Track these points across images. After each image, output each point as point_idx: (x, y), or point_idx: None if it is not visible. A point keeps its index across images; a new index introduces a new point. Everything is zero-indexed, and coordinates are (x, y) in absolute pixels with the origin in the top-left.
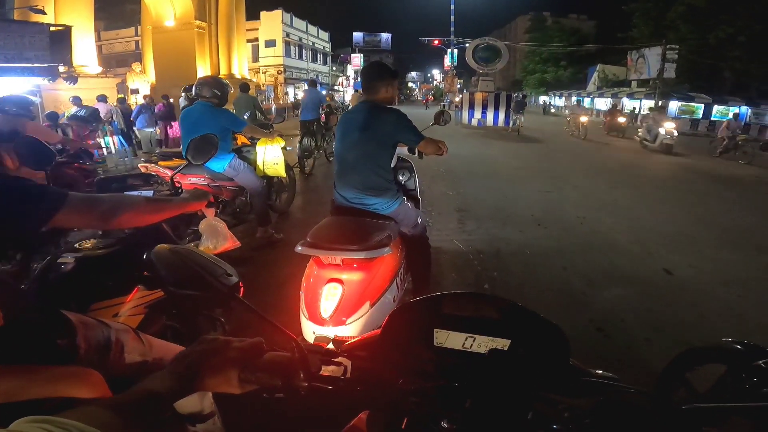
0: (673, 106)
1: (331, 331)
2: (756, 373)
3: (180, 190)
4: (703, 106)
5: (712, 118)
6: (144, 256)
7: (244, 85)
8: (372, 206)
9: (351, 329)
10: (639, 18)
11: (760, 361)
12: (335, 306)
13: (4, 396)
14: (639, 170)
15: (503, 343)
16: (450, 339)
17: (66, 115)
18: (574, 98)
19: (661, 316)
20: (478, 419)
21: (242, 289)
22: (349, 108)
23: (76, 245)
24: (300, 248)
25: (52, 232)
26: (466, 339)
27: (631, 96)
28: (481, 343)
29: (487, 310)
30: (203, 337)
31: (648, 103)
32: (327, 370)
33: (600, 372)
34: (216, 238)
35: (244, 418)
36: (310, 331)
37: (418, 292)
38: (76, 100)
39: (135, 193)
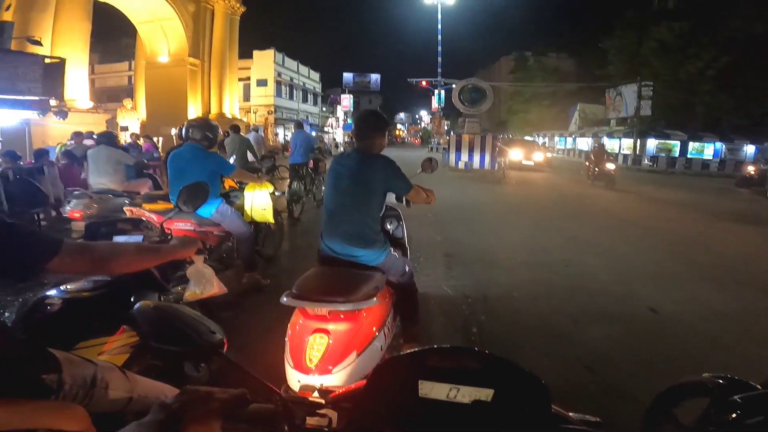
0: (651, 144)
1: (316, 380)
2: (737, 407)
3: (169, 237)
4: (679, 143)
5: (688, 155)
6: (131, 298)
7: (236, 127)
8: (360, 258)
9: (337, 378)
10: (614, 55)
11: (741, 395)
12: (321, 355)
13: None
14: (616, 210)
15: (487, 393)
16: (434, 390)
17: (58, 149)
18: (557, 138)
19: (647, 352)
20: None
21: (226, 345)
22: (340, 152)
23: (63, 287)
24: (285, 299)
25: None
26: (450, 390)
27: (610, 135)
28: (465, 394)
29: (471, 362)
30: (185, 388)
31: (627, 142)
32: (312, 422)
33: (582, 417)
34: (203, 284)
35: None
36: (295, 380)
37: (406, 337)
38: (76, 136)
39: (125, 238)
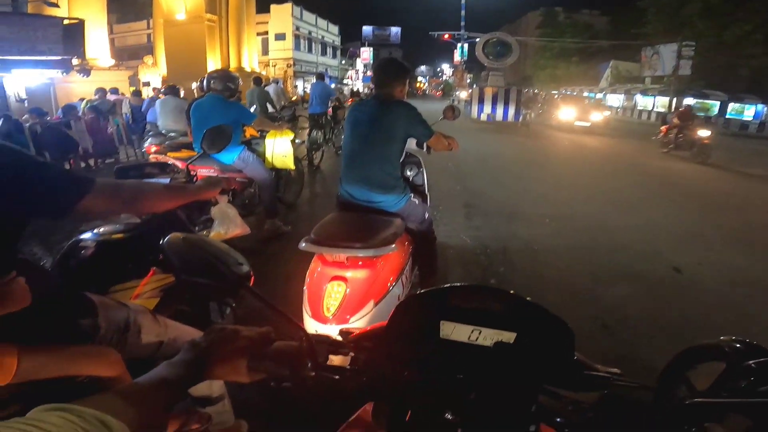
0: (688, 103)
1: (333, 330)
2: (753, 372)
3: (195, 179)
4: (718, 103)
5: (726, 116)
6: (160, 242)
7: (258, 79)
8: (379, 203)
9: (354, 327)
10: (653, 14)
11: (757, 361)
12: (338, 304)
13: (28, 374)
14: (647, 169)
15: (509, 336)
16: (456, 331)
17: (83, 105)
18: (585, 94)
19: (667, 314)
20: (483, 411)
21: (253, 278)
22: (359, 99)
23: (95, 230)
24: (304, 245)
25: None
26: (472, 331)
27: (644, 93)
28: (487, 336)
29: (494, 303)
30: (213, 326)
31: (662, 100)
32: (334, 360)
33: (604, 367)
34: (227, 223)
35: (252, 402)
36: (313, 329)
37: (424, 287)
38: (101, 92)
39: (153, 180)
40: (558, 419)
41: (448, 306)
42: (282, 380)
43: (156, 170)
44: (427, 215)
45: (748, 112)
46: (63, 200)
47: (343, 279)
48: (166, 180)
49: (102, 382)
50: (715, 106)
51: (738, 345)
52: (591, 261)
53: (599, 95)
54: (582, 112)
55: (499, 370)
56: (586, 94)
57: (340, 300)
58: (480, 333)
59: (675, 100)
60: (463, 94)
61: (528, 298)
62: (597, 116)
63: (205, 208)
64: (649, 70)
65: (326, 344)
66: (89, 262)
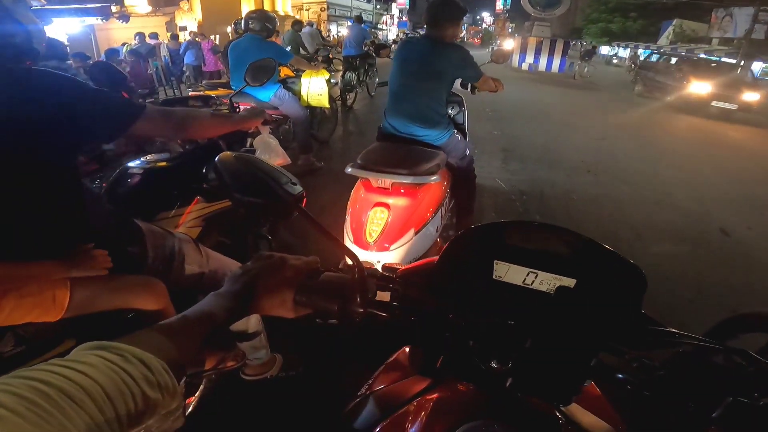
0: (756, 67)
1: (374, 256)
2: None
3: (237, 110)
4: None
5: None
6: (203, 170)
7: (298, 23)
8: (422, 137)
9: (394, 255)
10: None
11: None
12: (381, 230)
13: (80, 308)
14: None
15: (568, 282)
16: (510, 273)
17: (125, 50)
18: (641, 50)
19: (710, 278)
20: (535, 361)
21: (305, 199)
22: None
23: (142, 158)
24: (350, 169)
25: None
26: (528, 274)
27: (709, 54)
28: (544, 281)
29: (555, 244)
30: (260, 254)
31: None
32: (382, 296)
33: (671, 329)
34: (269, 152)
35: (288, 336)
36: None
37: (461, 225)
38: (140, 37)
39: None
40: (620, 375)
41: (503, 244)
42: (329, 317)
43: (200, 103)
44: (468, 152)
45: None
46: (117, 122)
47: (386, 206)
48: (209, 111)
49: (148, 315)
50: None
51: None
52: (633, 215)
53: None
54: (724, 86)
55: (559, 319)
56: (640, 50)
57: (382, 226)
58: (536, 276)
59: (743, 63)
60: (508, 44)
61: (594, 240)
62: (751, 96)
63: (245, 140)
64: (719, 31)
65: (375, 278)
66: (137, 189)
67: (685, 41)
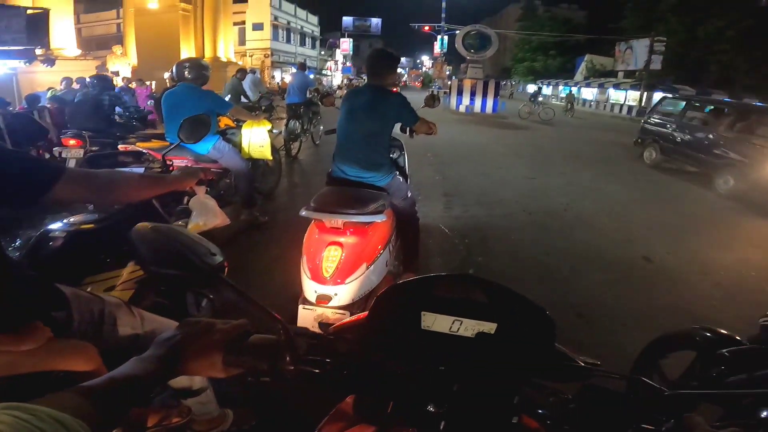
0: (657, 97)
1: (331, 290)
2: (722, 361)
3: (170, 169)
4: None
5: None
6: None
7: (243, 70)
8: (368, 179)
9: (350, 288)
10: (631, 9)
11: (728, 350)
12: (336, 266)
13: (6, 369)
14: (618, 158)
15: (490, 327)
16: (437, 322)
17: (48, 95)
18: (561, 87)
19: (640, 302)
20: (465, 403)
21: (227, 268)
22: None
23: (65, 220)
24: (304, 212)
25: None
26: (453, 322)
27: (617, 87)
28: (468, 327)
29: (475, 293)
30: (186, 320)
31: (633, 94)
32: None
33: (583, 358)
34: (206, 214)
35: (238, 392)
36: (312, 290)
37: (407, 266)
38: (67, 81)
39: (127, 170)
40: (540, 411)
41: (429, 296)
42: (261, 374)
43: (130, 159)
44: (410, 194)
45: None
46: (33, 188)
47: (339, 244)
48: (140, 169)
49: (78, 376)
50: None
51: (708, 334)
52: (567, 250)
53: (574, 88)
54: None
55: (481, 362)
56: (561, 87)
57: (336, 263)
58: (461, 324)
59: (645, 94)
60: (438, 89)
61: (509, 288)
62: None
63: (182, 199)
64: (622, 64)
65: (306, 337)
66: (59, 253)
67: (595, 75)
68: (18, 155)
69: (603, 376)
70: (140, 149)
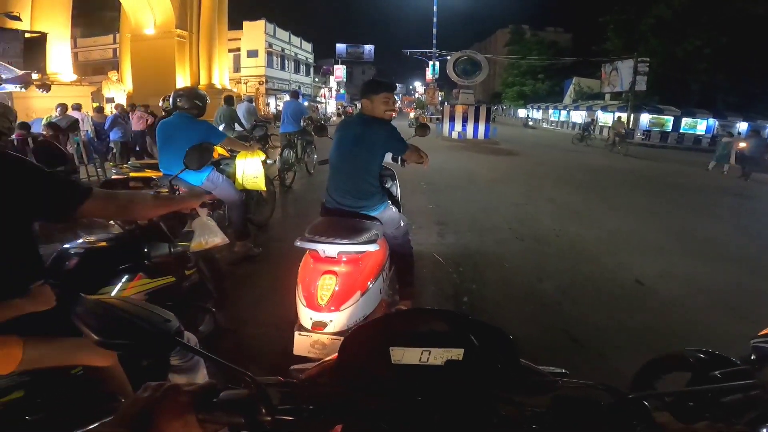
0: (644, 118)
1: (326, 317)
2: (718, 382)
3: (177, 192)
4: (672, 118)
5: (681, 131)
6: (144, 249)
7: (229, 98)
8: (361, 209)
9: (345, 315)
10: (613, 31)
11: (721, 371)
12: (330, 294)
13: (31, 363)
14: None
15: (457, 353)
16: (406, 355)
17: (44, 121)
18: (551, 111)
19: (632, 325)
20: (447, 430)
21: (183, 332)
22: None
23: (81, 240)
24: (299, 243)
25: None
26: (422, 353)
27: (605, 109)
28: (437, 356)
29: (436, 324)
30: (147, 384)
31: (621, 116)
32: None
33: (550, 369)
34: (207, 234)
35: None
36: (308, 317)
37: (403, 294)
38: (62, 108)
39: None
40: (519, 427)
41: (394, 331)
42: (239, 428)
43: (140, 184)
44: (402, 223)
45: (701, 126)
46: (65, 205)
47: (334, 273)
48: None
49: (95, 372)
50: (669, 121)
51: (702, 355)
52: (559, 275)
53: (563, 112)
54: None
55: (453, 388)
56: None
57: (331, 290)
58: (430, 353)
59: (632, 116)
60: (426, 118)
61: (464, 314)
62: None
63: (185, 221)
64: (609, 86)
65: (278, 386)
66: (77, 268)
67: (583, 98)
68: (54, 177)
69: (569, 385)
70: (150, 176)
